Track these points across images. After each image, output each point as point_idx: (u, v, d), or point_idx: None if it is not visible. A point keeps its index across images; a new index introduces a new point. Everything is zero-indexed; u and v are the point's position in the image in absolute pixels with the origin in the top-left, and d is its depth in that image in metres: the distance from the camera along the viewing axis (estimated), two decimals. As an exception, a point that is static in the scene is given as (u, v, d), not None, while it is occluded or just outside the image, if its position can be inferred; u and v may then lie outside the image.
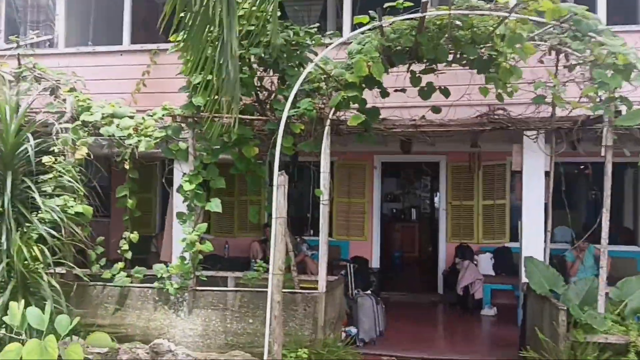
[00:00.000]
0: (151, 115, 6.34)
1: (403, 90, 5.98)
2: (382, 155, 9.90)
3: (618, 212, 10.42)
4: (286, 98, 5.21)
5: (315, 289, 5.64)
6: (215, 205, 5.72)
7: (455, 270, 8.78)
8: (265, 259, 9.47)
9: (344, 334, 6.53)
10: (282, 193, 3.94)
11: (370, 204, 9.91)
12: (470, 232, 9.50)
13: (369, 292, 7.06)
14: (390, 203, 14.68)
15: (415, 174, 14.68)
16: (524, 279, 6.35)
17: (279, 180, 3.98)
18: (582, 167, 11.17)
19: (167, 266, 5.87)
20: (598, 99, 5.01)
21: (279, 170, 4.04)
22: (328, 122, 5.60)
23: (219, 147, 5.88)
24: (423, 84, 5.80)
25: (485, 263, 8.95)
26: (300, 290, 5.64)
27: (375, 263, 9.78)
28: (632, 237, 9.91)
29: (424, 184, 14.64)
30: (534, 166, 6.57)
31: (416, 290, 9.93)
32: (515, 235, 9.75)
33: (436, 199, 14.00)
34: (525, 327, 6.19)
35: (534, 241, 6.52)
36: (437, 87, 5.86)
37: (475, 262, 8.81)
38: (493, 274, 8.89)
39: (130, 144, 6.13)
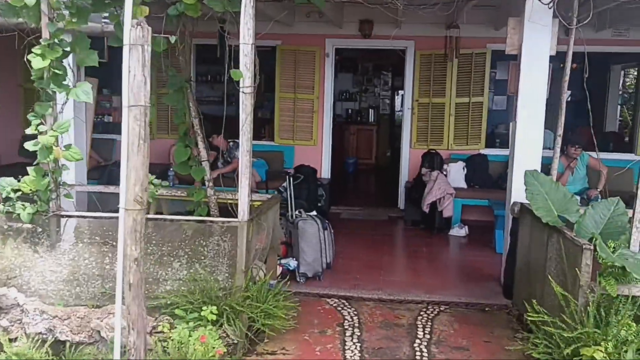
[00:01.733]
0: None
1: None
2: (336, 38, 7.97)
3: (600, 115, 9.04)
4: None
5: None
6: (82, 92, 3.80)
7: (420, 182, 7.24)
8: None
9: (280, 269, 4.97)
10: (139, 60, 2.09)
11: (320, 100, 8.10)
12: (440, 136, 7.90)
13: (313, 213, 5.42)
14: (345, 102, 12.91)
15: (374, 70, 12.83)
16: (515, 198, 4.85)
17: (132, 37, 2.11)
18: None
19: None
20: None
21: (133, 24, 2.14)
22: (250, -36, 3.64)
23: (89, 3, 3.89)
24: None
25: (457, 173, 7.42)
26: (208, 218, 3.91)
27: (325, 173, 8.14)
28: (624, 144, 8.58)
29: (384, 80, 12.83)
30: (538, 47, 4.84)
31: (373, 204, 8.43)
32: (491, 141, 8.27)
33: (397, 99, 12.35)
34: (513, 261, 4.74)
35: (529, 148, 4.94)
36: None
37: (444, 173, 7.27)
38: (465, 186, 7.39)
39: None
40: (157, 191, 3.98)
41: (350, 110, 12.79)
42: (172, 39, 3.71)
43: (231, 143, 7.61)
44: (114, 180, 7.03)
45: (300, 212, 5.33)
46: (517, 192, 4.89)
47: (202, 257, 3.81)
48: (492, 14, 7.48)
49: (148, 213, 3.84)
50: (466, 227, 7.02)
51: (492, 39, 7.65)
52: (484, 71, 7.74)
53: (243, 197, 3.78)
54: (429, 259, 6.04)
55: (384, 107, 12.87)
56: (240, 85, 3.72)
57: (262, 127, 9.08)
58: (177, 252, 3.82)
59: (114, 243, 3.84)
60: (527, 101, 4.93)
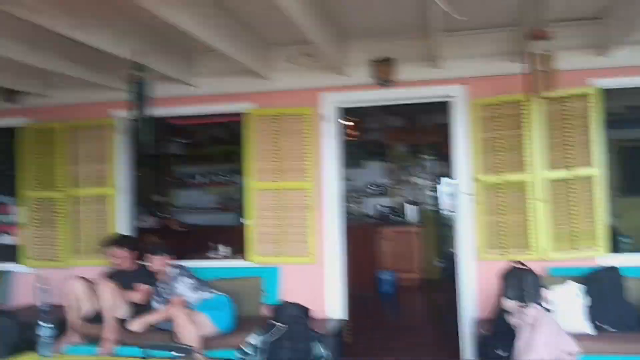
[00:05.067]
0: None
1: None
2: (336, 92, 5.02)
3: None
4: None
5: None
6: None
7: (502, 323, 3.89)
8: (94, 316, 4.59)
9: None
10: None
11: (319, 189, 5.01)
12: (522, 236, 4.61)
13: None
14: (378, 198, 9.78)
15: (413, 151, 9.74)
16: None
17: None
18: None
19: None
20: None
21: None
22: None
23: None
24: None
25: (570, 306, 4.03)
26: None
27: (333, 309, 4.87)
28: None
29: (423, 165, 9.70)
30: None
31: (422, 352, 4.98)
32: (616, 240, 4.92)
33: (439, 187, 9.27)
34: None
35: None
36: None
37: (547, 307, 3.91)
38: (590, 330, 3.97)
39: None
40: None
41: (383, 208, 9.62)
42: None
43: (176, 267, 4.62)
44: None
45: None
46: None
47: None
48: (594, 29, 4.47)
49: None
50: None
51: (594, 71, 4.60)
52: (586, 125, 4.56)
53: None
54: None
55: (426, 200, 9.66)
56: None
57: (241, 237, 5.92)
58: None
59: None
60: None
